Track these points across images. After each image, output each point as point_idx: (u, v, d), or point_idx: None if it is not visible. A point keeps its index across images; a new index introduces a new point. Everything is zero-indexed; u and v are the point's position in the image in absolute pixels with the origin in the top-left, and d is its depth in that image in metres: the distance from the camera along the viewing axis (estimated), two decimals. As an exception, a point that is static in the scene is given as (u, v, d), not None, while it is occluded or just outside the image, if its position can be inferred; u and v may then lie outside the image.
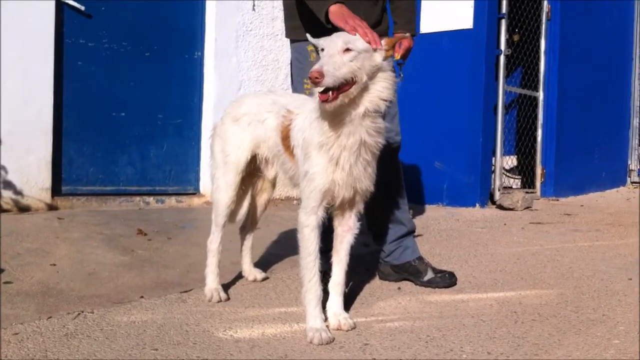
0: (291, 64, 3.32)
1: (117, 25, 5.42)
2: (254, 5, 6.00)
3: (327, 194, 2.47)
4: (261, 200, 3.31)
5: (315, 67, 2.23)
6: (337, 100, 2.29)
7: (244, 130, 2.91)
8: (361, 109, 2.36)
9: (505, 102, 6.51)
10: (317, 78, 2.21)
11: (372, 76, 2.38)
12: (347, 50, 2.32)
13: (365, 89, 2.36)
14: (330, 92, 2.27)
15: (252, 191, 3.22)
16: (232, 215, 3.12)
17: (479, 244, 4.37)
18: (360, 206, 2.61)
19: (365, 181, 2.50)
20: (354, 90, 2.32)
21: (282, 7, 3.39)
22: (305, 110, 2.56)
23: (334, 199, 2.51)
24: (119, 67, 5.45)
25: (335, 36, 2.41)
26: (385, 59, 2.44)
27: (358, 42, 2.37)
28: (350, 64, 2.30)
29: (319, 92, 2.28)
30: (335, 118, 2.37)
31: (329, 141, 2.40)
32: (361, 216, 2.67)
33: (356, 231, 2.66)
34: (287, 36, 3.30)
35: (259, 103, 2.91)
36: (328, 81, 2.23)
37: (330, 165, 2.43)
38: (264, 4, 6.26)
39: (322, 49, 2.36)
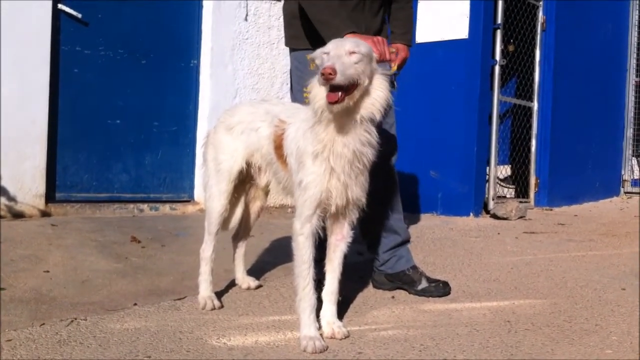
0: (291, 72, 3.33)
1: (114, 33, 5.42)
2: (246, 16, 6.01)
3: (321, 203, 2.47)
4: (254, 208, 3.30)
5: (328, 64, 2.25)
6: (344, 102, 2.30)
7: (237, 138, 2.92)
8: (357, 116, 2.37)
9: (500, 112, 6.53)
10: (330, 74, 2.22)
11: (370, 82, 2.39)
12: (352, 53, 2.34)
13: (365, 93, 2.37)
14: (340, 93, 2.28)
15: (245, 199, 3.22)
16: (225, 223, 3.12)
17: (472, 253, 4.38)
18: (353, 215, 2.61)
19: (357, 190, 2.50)
20: (357, 93, 2.33)
21: (278, 16, 3.40)
22: (298, 119, 2.57)
23: (329, 207, 2.51)
24: (115, 75, 5.45)
25: (340, 40, 2.43)
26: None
27: (362, 46, 2.39)
28: (356, 66, 2.32)
29: (328, 92, 2.29)
30: (335, 122, 2.38)
31: (323, 150, 2.41)
32: (354, 225, 2.68)
33: (349, 240, 2.66)
34: (286, 44, 3.31)
35: (252, 112, 2.92)
36: (340, 78, 2.24)
37: (325, 174, 2.43)
38: (260, 12, 6.26)
39: (327, 53, 2.37)
